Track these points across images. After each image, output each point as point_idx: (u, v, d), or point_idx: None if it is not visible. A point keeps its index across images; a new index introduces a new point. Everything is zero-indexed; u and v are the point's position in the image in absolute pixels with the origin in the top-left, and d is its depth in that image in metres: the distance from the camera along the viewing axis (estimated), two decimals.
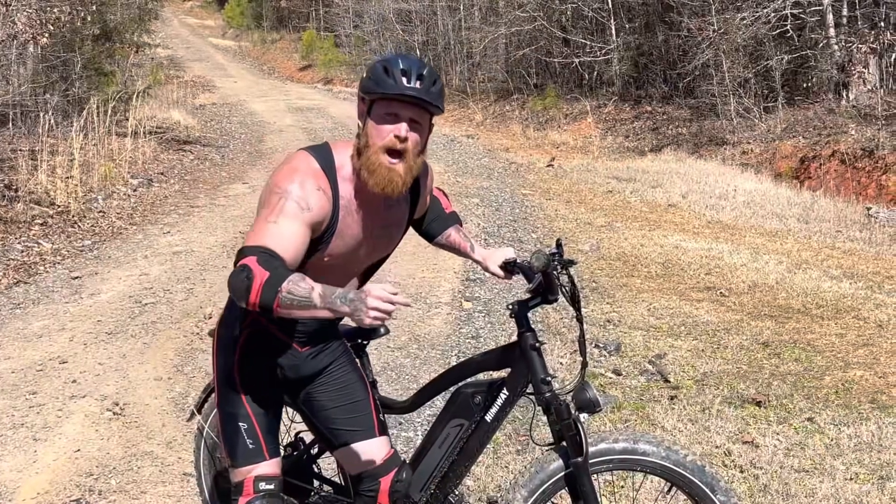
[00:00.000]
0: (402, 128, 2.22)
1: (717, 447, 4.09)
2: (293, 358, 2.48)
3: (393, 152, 2.23)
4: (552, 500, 2.50)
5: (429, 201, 2.70)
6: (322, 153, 2.30)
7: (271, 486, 2.39)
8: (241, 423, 2.39)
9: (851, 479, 3.79)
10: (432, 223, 2.76)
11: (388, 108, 2.23)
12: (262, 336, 2.45)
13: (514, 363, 2.49)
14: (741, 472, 3.86)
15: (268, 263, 2.07)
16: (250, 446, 2.39)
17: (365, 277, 2.57)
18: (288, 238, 2.15)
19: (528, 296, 2.50)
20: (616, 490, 3.61)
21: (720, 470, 3.80)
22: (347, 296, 2.01)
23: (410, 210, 2.52)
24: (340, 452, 2.56)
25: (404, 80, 2.19)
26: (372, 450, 2.53)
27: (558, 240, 2.56)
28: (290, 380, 2.51)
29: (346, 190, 2.30)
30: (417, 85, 2.20)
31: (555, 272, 2.42)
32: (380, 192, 2.25)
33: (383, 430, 2.58)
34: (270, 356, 2.47)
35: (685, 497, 2.52)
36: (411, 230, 2.69)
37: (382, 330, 2.78)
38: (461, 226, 2.79)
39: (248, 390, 2.42)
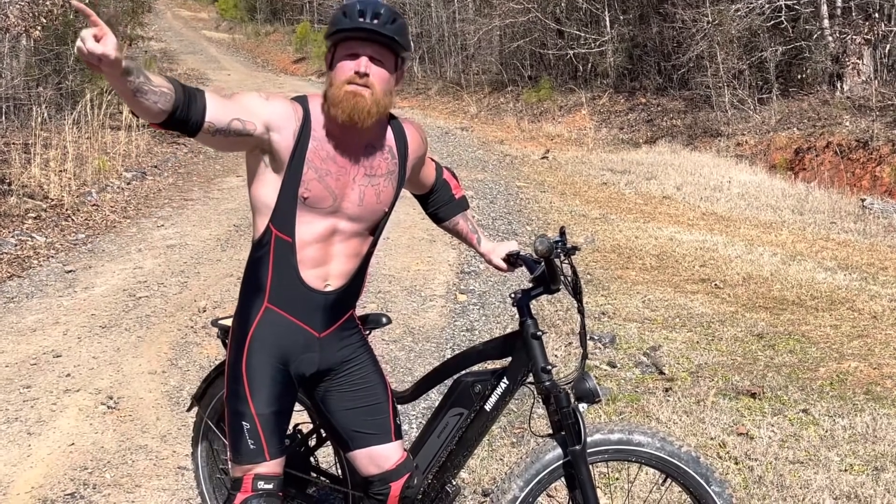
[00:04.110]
0: (362, 62, 2.24)
1: (711, 439, 4.10)
2: (310, 347, 2.41)
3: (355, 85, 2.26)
4: (547, 491, 2.50)
5: (428, 167, 2.66)
6: (298, 96, 2.39)
7: (270, 486, 2.35)
8: (244, 423, 2.34)
9: (846, 470, 3.80)
10: (441, 208, 2.75)
11: (348, 49, 2.26)
12: (275, 325, 2.37)
13: (515, 352, 2.50)
14: (736, 463, 3.87)
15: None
16: (251, 446, 2.34)
17: (367, 257, 2.48)
18: (229, 95, 2.27)
19: (530, 285, 2.50)
20: (611, 482, 3.61)
21: (715, 461, 3.81)
22: None
23: (401, 165, 2.44)
24: (354, 454, 2.54)
25: (360, 18, 2.22)
26: (386, 454, 2.51)
27: (562, 228, 2.54)
28: (305, 377, 2.44)
29: (318, 120, 2.32)
30: (374, 22, 2.22)
31: (557, 259, 2.43)
32: (346, 118, 2.25)
33: (398, 434, 2.56)
34: (284, 348, 2.38)
35: (680, 488, 2.53)
36: (420, 213, 2.67)
37: (384, 320, 2.79)
38: (468, 209, 2.80)
39: (254, 388, 2.35)
